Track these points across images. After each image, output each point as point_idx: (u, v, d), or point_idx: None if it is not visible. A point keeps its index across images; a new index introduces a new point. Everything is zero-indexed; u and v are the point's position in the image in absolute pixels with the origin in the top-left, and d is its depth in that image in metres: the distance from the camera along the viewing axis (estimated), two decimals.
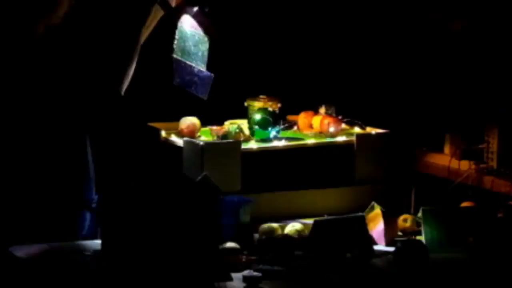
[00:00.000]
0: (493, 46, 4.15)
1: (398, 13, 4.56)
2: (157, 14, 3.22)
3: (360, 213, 3.09)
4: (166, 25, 3.38)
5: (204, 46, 3.27)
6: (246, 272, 2.63)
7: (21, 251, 2.85)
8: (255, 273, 2.62)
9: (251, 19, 4.43)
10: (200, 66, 3.30)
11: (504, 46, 4.07)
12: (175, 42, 3.34)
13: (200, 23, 3.26)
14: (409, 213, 3.25)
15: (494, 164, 3.57)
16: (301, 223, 3.10)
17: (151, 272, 2.63)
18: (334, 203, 3.31)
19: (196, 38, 3.28)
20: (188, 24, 3.30)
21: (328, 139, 3.45)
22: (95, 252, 2.84)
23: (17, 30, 2.90)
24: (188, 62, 3.33)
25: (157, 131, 3.49)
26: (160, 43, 3.45)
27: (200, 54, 3.29)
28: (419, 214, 3.10)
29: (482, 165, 3.59)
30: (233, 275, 2.65)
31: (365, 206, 3.23)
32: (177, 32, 3.34)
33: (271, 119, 3.40)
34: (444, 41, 4.35)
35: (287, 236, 2.97)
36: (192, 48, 3.29)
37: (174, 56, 3.38)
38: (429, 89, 4.48)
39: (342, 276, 2.68)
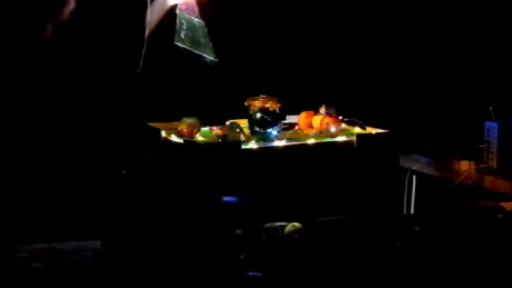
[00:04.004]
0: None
1: (398, 13, 4.56)
2: (163, 7, 3.21)
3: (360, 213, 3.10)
4: (164, 25, 3.37)
5: (210, 37, 3.27)
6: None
7: (21, 250, 2.85)
8: (255, 273, 2.63)
9: (251, 19, 4.43)
10: (211, 56, 3.30)
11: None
12: (182, 31, 3.32)
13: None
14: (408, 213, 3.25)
15: (494, 164, 3.57)
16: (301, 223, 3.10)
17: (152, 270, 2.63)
18: (333, 203, 3.31)
19: (206, 29, 3.27)
20: (193, 14, 3.29)
21: (328, 139, 3.45)
22: (95, 252, 2.84)
23: (24, 30, 2.90)
24: (197, 52, 3.34)
25: (157, 131, 3.49)
26: (160, 44, 3.45)
27: (211, 45, 3.29)
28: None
29: (482, 165, 3.59)
30: None
31: (365, 206, 3.23)
32: (183, 21, 3.31)
33: (270, 119, 3.40)
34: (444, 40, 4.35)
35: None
36: (202, 39, 3.28)
37: (180, 45, 3.36)
38: (429, 89, 4.49)
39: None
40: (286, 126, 3.52)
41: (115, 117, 3.32)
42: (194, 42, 3.29)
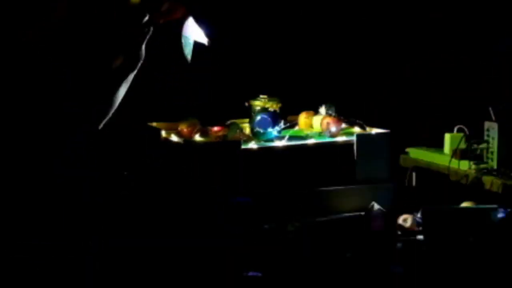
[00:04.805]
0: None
1: (399, 13, 4.56)
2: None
3: (360, 213, 3.10)
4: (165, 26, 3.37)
5: (189, 48, 3.27)
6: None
7: (21, 251, 2.85)
8: (255, 273, 2.63)
9: (251, 19, 4.44)
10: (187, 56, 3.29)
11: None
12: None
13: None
14: (409, 212, 3.25)
15: (494, 164, 3.57)
16: None
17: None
18: (334, 203, 3.31)
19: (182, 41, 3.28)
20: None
21: (328, 139, 3.45)
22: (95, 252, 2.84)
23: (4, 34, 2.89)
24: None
25: (157, 131, 3.50)
26: (160, 44, 3.45)
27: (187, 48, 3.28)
28: (419, 214, 3.10)
29: (482, 165, 3.58)
30: None
31: (365, 206, 3.24)
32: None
33: (271, 119, 3.41)
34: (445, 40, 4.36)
35: None
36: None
37: None
38: (428, 89, 4.49)
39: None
40: (288, 125, 3.53)
41: (115, 117, 3.32)
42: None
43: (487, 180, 3.47)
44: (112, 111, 3.06)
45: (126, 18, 3.05)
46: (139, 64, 3.07)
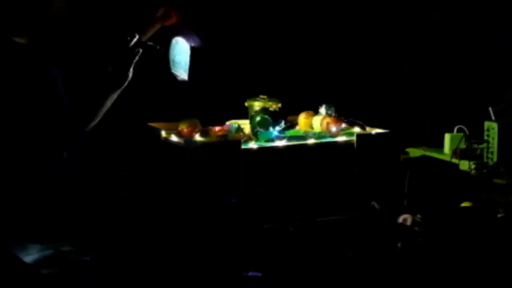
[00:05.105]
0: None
1: (398, 13, 4.56)
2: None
3: (360, 213, 3.10)
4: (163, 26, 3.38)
5: (186, 55, 3.28)
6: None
7: (20, 251, 2.85)
8: (255, 273, 2.63)
9: (251, 19, 4.44)
10: (182, 75, 3.32)
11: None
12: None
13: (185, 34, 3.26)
14: (409, 212, 3.25)
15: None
16: None
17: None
18: (334, 203, 3.31)
19: (180, 47, 3.29)
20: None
21: (328, 139, 3.46)
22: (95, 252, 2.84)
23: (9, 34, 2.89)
24: (173, 71, 3.36)
25: (157, 131, 3.50)
26: (160, 43, 3.45)
27: (183, 62, 3.31)
28: (419, 214, 3.10)
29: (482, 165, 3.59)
30: None
31: (365, 206, 3.23)
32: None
33: (271, 119, 3.41)
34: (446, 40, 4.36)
35: None
36: (176, 57, 3.30)
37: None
38: (428, 89, 4.49)
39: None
40: (288, 125, 3.53)
41: (115, 117, 3.32)
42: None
43: (487, 179, 3.47)
44: (100, 115, 3.07)
45: (116, 40, 3.05)
46: (126, 84, 3.08)
